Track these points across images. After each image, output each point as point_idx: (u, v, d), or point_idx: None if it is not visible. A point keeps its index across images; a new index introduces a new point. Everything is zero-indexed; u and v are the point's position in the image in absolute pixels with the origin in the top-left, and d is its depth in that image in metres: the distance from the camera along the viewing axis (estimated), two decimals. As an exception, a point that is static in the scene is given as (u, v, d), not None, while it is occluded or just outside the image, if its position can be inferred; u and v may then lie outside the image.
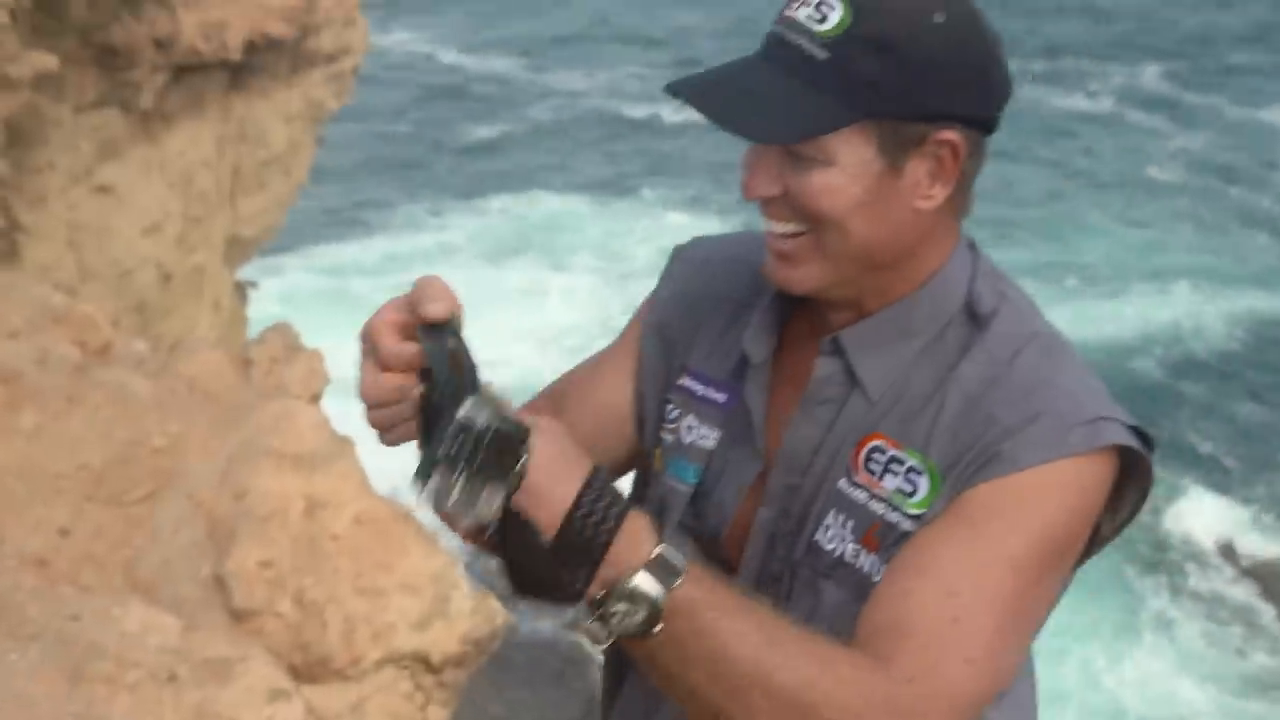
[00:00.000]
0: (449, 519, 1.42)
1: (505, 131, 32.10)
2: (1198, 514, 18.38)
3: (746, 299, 1.84)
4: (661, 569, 1.45)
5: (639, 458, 1.93)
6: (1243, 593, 17.09)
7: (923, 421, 1.67)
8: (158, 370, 7.03)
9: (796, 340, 1.79)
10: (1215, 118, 32.66)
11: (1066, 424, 1.60)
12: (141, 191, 13.54)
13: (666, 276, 1.96)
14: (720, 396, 1.83)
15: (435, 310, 1.49)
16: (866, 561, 1.67)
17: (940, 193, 1.67)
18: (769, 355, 1.79)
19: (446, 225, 27.17)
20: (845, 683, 1.49)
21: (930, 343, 1.71)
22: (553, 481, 1.42)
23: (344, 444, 6.16)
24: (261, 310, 16.54)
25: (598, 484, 1.44)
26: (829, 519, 1.70)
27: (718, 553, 1.78)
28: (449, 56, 36.47)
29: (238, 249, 15.84)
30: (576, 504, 1.42)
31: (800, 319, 1.79)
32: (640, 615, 1.44)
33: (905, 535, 1.64)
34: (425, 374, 1.51)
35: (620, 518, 1.44)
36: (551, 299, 23.90)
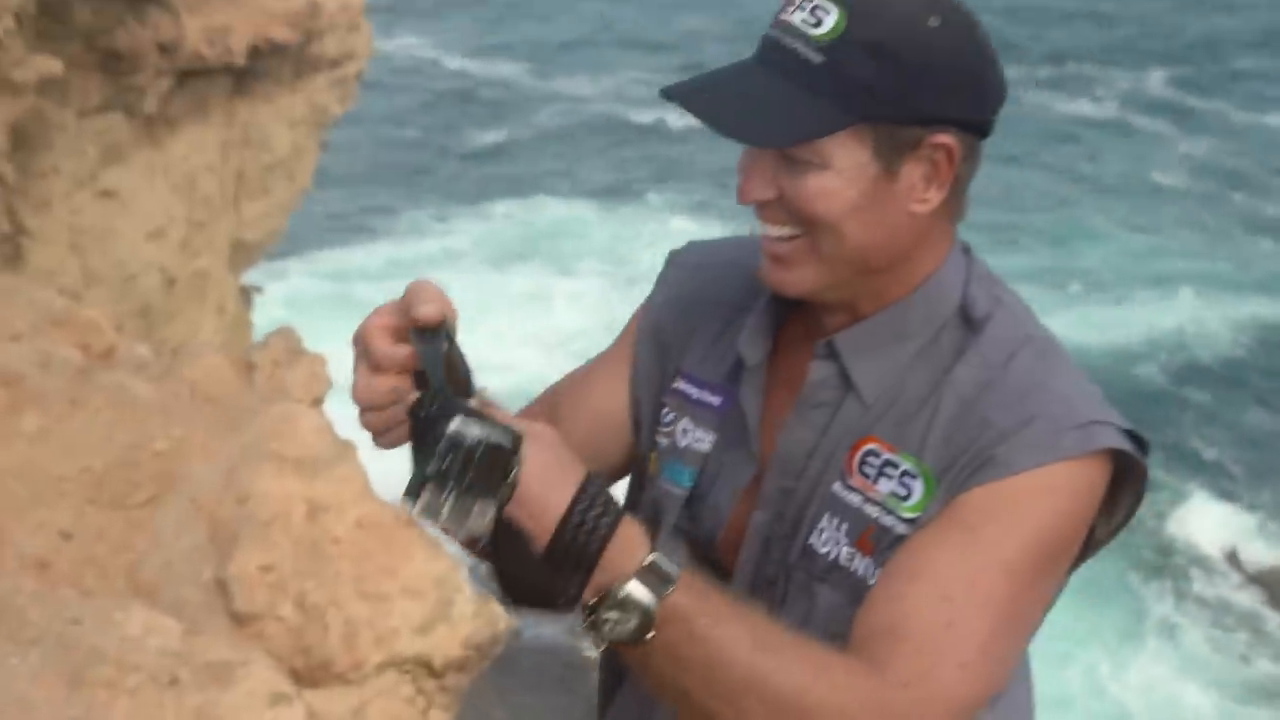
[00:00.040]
0: (444, 530, 1.42)
1: (510, 137, 32.10)
2: (1202, 520, 18.36)
3: (741, 302, 1.85)
4: (654, 577, 1.45)
5: (635, 462, 1.94)
6: (1247, 599, 17.07)
7: (917, 425, 1.67)
8: (160, 374, 7.03)
9: (791, 343, 1.79)
10: (1220, 123, 32.64)
11: (1060, 428, 1.61)
12: (145, 196, 13.56)
13: (661, 281, 1.96)
14: (715, 400, 1.83)
15: (428, 312, 1.49)
16: (861, 565, 1.67)
17: (935, 196, 1.67)
18: (764, 358, 1.80)
19: (452, 230, 27.17)
20: (839, 688, 1.50)
21: (925, 346, 1.71)
22: (545, 489, 1.42)
23: (346, 448, 6.15)
24: (266, 315, 16.55)
25: (591, 491, 1.44)
26: (823, 522, 1.70)
27: (713, 556, 1.79)
28: (454, 62, 36.47)
29: (241, 253, 15.86)
30: (569, 513, 1.42)
31: (795, 322, 1.80)
32: (632, 623, 1.45)
33: (900, 539, 1.64)
34: (419, 377, 1.51)
35: (612, 526, 1.44)
36: (557, 304, 23.92)
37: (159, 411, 6.51)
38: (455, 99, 33.94)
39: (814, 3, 1.63)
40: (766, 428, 1.77)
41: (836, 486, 1.70)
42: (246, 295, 16.75)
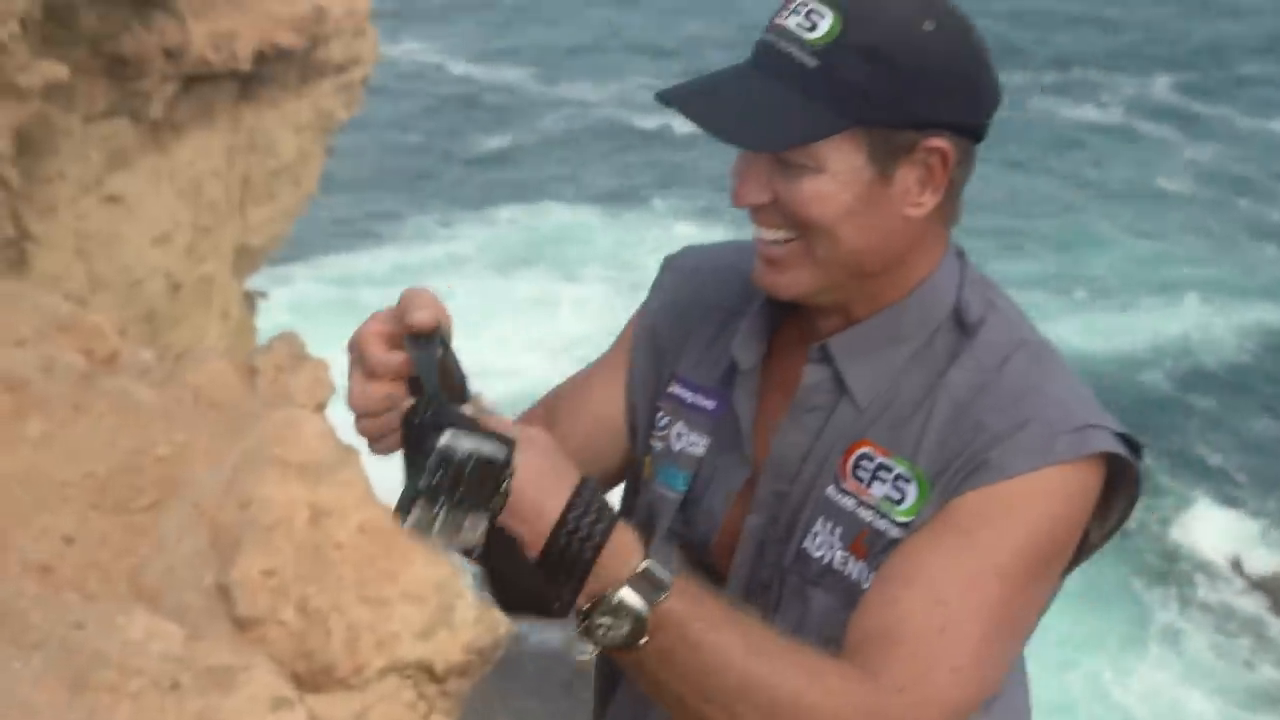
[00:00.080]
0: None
1: (516, 142, 32.13)
2: (1206, 526, 18.35)
3: (736, 306, 1.85)
4: (647, 583, 1.45)
5: (630, 466, 1.94)
6: (1251, 605, 17.05)
7: (911, 429, 1.68)
8: (163, 379, 7.04)
9: (786, 347, 1.79)
10: (1226, 129, 32.62)
11: (1054, 432, 1.61)
12: (151, 201, 13.58)
13: (657, 286, 1.97)
14: (709, 403, 1.83)
15: (422, 319, 1.49)
16: (855, 569, 1.67)
17: (930, 200, 1.67)
18: (758, 362, 1.80)
19: (456, 236, 27.19)
20: (834, 694, 1.50)
21: (919, 350, 1.72)
22: (539, 496, 1.42)
23: (349, 453, 6.16)
24: (272, 320, 16.57)
25: (584, 497, 1.44)
26: (817, 526, 1.70)
27: (707, 560, 1.79)
28: (459, 67, 36.50)
29: (246, 259, 15.88)
30: (562, 519, 1.42)
31: (790, 326, 1.80)
32: (625, 628, 1.45)
33: (893, 543, 1.64)
34: (414, 383, 1.51)
35: (606, 533, 1.43)
36: (562, 309, 23.94)
37: (162, 417, 6.52)
38: (460, 104, 33.97)
39: (809, 7, 1.63)
40: (760, 431, 1.77)
41: (830, 490, 1.70)
42: (251, 300, 16.76)
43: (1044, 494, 1.59)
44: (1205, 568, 17.69)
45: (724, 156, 1.66)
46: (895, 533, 1.64)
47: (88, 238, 13.06)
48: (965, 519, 1.60)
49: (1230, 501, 18.98)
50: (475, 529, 1.39)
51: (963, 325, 1.71)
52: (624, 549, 1.45)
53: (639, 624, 1.45)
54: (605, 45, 38.42)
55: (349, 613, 5.72)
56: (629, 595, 1.44)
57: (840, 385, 1.72)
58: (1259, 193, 29.25)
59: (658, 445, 1.86)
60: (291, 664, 5.58)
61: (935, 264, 1.73)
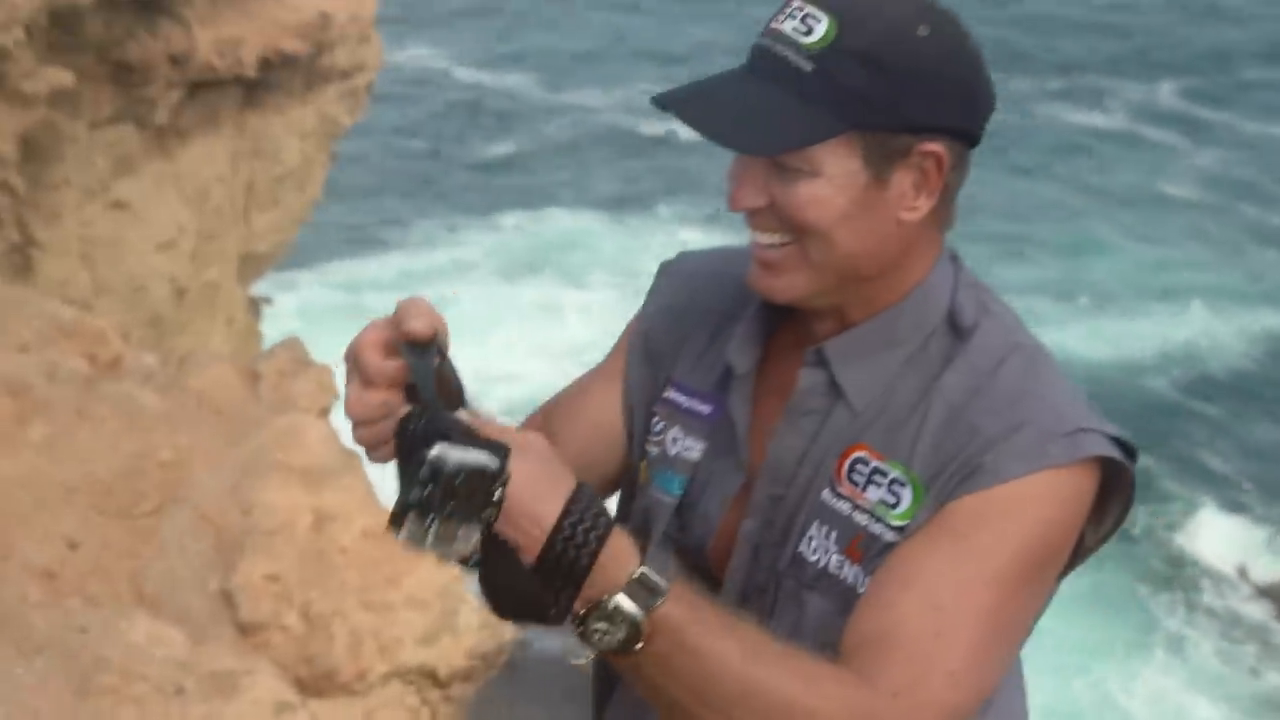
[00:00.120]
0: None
1: (521, 148, 32.10)
2: (1212, 533, 18.32)
3: (732, 311, 1.85)
4: (642, 589, 1.45)
5: (629, 471, 1.94)
6: (1257, 611, 17.03)
7: (906, 433, 1.68)
8: (167, 384, 7.05)
9: (781, 351, 1.80)
10: (1230, 135, 32.58)
11: (1048, 436, 1.61)
12: (156, 207, 13.60)
13: (653, 291, 1.97)
14: (705, 408, 1.84)
15: (418, 327, 1.49)
16: (850, 573, 1.67)
17: (925, 204, 1.67)
18: (753, 366, 1.80)
19: (462, 242, 27.18)
20: (830, 698, 1.51)
21: (914, 354, 1.72)
22: (534, 503, 1.42)
23: (352, 458, 6.17)
24: (278, 326, 16.56)
25: (580, 503, 1.44)
26: (812, 530, 1.71)
27: (702, 564, 1.79)
28: (464, 73, 36.47)
29: (251, 265, 15.90)
30: (558, 526, 1.42)
31: (785, 330, 1.80)
32: (621, 634, 1.45)
33: (888, 547, 1.64)
34: (410, 391, 1.52)
35: (602, 539, 1.44)
36: (567, 315, 23.92)
37: (165, 421, 6.53)
38: (466, 110, 33.96)
39: (805, 11, 1.63)
40: (756, 436, 1.78)
41: (825, 494, 1.70)
42: (256, 306, 16.78)
43: (1038, 498, 1.60)
44: (1211, 574, 17.67)
45: (729, 163, 1.66)
46: (890, 537, 1.65)
47: (93, 243, 13.08)
48: (960, 523, 1.60)
49: (1236, 508, 18.95)
50: (468, 540, 1.39)
51: (957, 329, 1.72)
52: (620, 555, 1.45)
53: (635, 629, 1.45)
54: (611, 51, 38.41)
55: (352, 618, 5.73)
56: (624, 601, 1.45)
57: (835, 389, 1.72)
58: (1264, 198, 29.21)
59: (653, 450, 1.87)
60: (294, 669, 5.58)
61: (930, 268, 1.73)
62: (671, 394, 1.87)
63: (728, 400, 1.81)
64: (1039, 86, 33.86)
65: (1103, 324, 23.83)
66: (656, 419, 1.88)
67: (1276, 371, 22.75)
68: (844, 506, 1.69)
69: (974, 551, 1.59)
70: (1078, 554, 1.69)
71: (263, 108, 14.87)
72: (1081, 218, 28.26)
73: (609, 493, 1.94)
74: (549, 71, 36.50)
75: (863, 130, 1.62)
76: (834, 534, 1.69)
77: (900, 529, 1.64)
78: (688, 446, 1.83)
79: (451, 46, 37.80)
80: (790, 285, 1.69)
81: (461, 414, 1.46)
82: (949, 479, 1.62)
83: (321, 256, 24.08)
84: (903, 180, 1.65)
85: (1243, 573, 17.67)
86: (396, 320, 1.51)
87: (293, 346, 7.94)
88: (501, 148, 32.00)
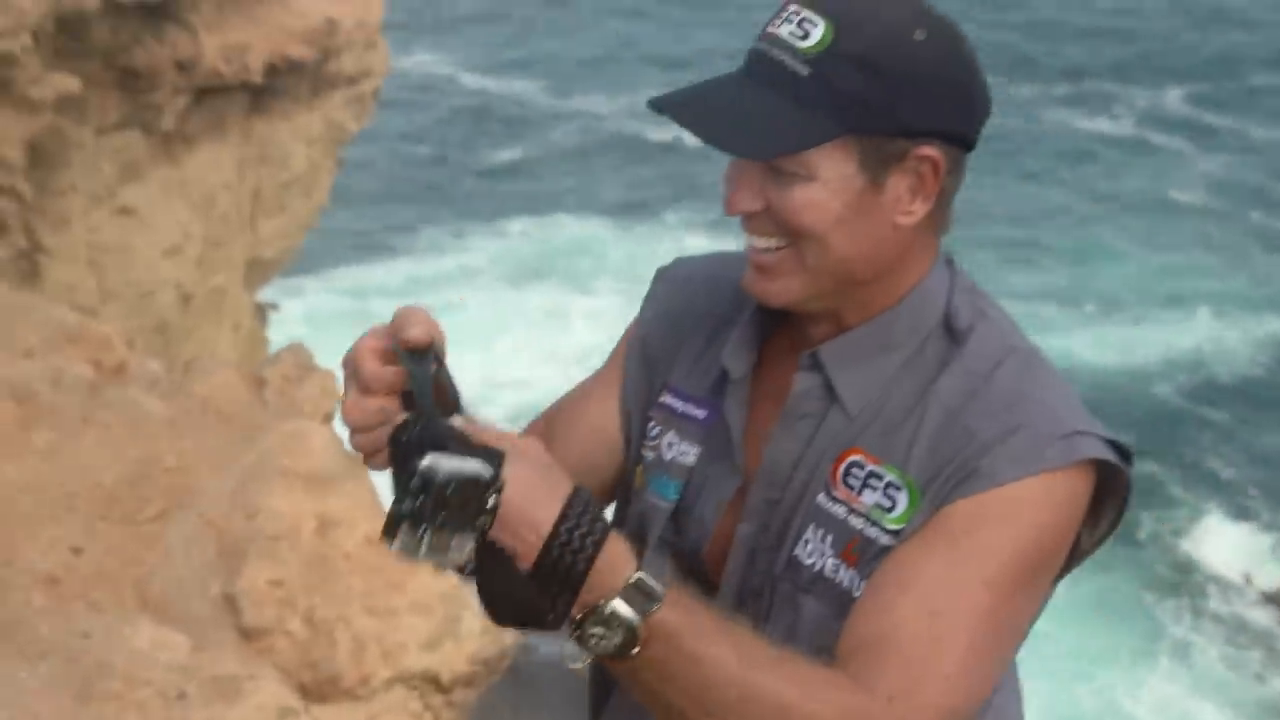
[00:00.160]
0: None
1: (527, 154, 32.15)
2: (1218, 540, 18.32)
3: (728, 315, 1.85)
4: (639, 594, 1.45)
5: (625, 476, 1.94)
6: (1263, 618, 17.02)
7: (902, 436, 1.68)
8: (171, 390, 7.06)
9: (777, 355, 1.80)
10: (1239, 140, 32.57)
11: (1043, 439, 1.61)
12: (162, 213, 13.62)
13: (649, 297, 1.98)
14: (700, 413, 1.84)
15: (415, 335, 1.50)
16: (846, 576, 1.67)
17: (920, 209, 1.67)
18: (748, 370, 1.80)
19: (468, 248, 27.22)
20: (826, 703, 1.51)
21: (910, 357, 1.72)
22: (530, 509, 1.42)
23: (356, 464, 6.16)
24: (284, 332, 16.58)
25: (576, 508, 1.44)
26: (808, 534, 1.70)
27: (699, 567, 1.79)
28: (471, 79, 36.51)
29: (258, 271, 15.92)
30: (554, 532, 1.42)
31: (781, 335, 1.80)
32: (617, 639, 1.45)
33: (884, 550, 1.64)
34: (407, 398, 1.52)
35: (598, 544, 1.43)
36: (574, 321, 23.95)
37: (169, 427, 6.54)
38: (472, 116, 34.00)
39: (801, 15, 1.64)
40: (751, 440, 1.78)
41: (821, 498, 1.70)
42: (262, 312, 16.80)
43: (1034, 502, 1.60)
44: (1217, 580, 17.65)
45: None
46: (886, 540, 1.65)
47: (99, 250, 13.11)
48: (956, 527, 1.60)
49: (1242, 515, 18.94)
50: (462, 549, 1.39)
51: (953, 333, 1.72)
52: (616, 560, 1.45)
53: (631, 634, 1.45)
54: (617, 57, 38.43)
55: (355, 623, 5.73)
56: (621, 606, 1.44)
57: (831, 393, 1.72)
58: (1271, 204, 29.19)
59: (649, 455, 1.87)
60: (298, 674, 5.58)
61: (925, 272, 1.74)
62: (667, 399, 1.87)
63: (723, 404, 1.81)
64: (1046, 92, 33.88)
65: (1110, 330, 23.82)
66: (652, 424, 1.88)
67: (1284, 377, 22.74)
68: (839, 510, 1.69)
69: (970, 555, 1.59)
70: (1074, 557, 1.69)
71: (269, 114, 14.90)
72: (1089, 224, 28.25)
73: (610, 498, 1.94)
74: (555, 78, 36.53)
75: (859, 134, 1.62)
76: (830, 538, 1.69)
77: (896, 533, 1.64)
78: (683, 451, 1.83)
79: (458, 52, 37.84)
80: (786, 289, 1.69)
81: (456, 420, 1.46)
82: (944, 483, 1.62)
83: (328, 263, 24.12)
84: (898, 184, 1.66)
85: (1249, 579, 17.66)
86: (394, 328, 1.52)
87: (297, 352, 7.95)
88: (508, 154, 32.03)
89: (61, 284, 12.38)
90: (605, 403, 1.94)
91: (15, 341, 7.02)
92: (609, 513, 1.92)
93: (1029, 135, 30.65)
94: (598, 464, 1.92)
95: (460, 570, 1.44)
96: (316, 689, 5.60)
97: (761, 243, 1.69)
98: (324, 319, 21.40)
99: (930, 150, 1.65)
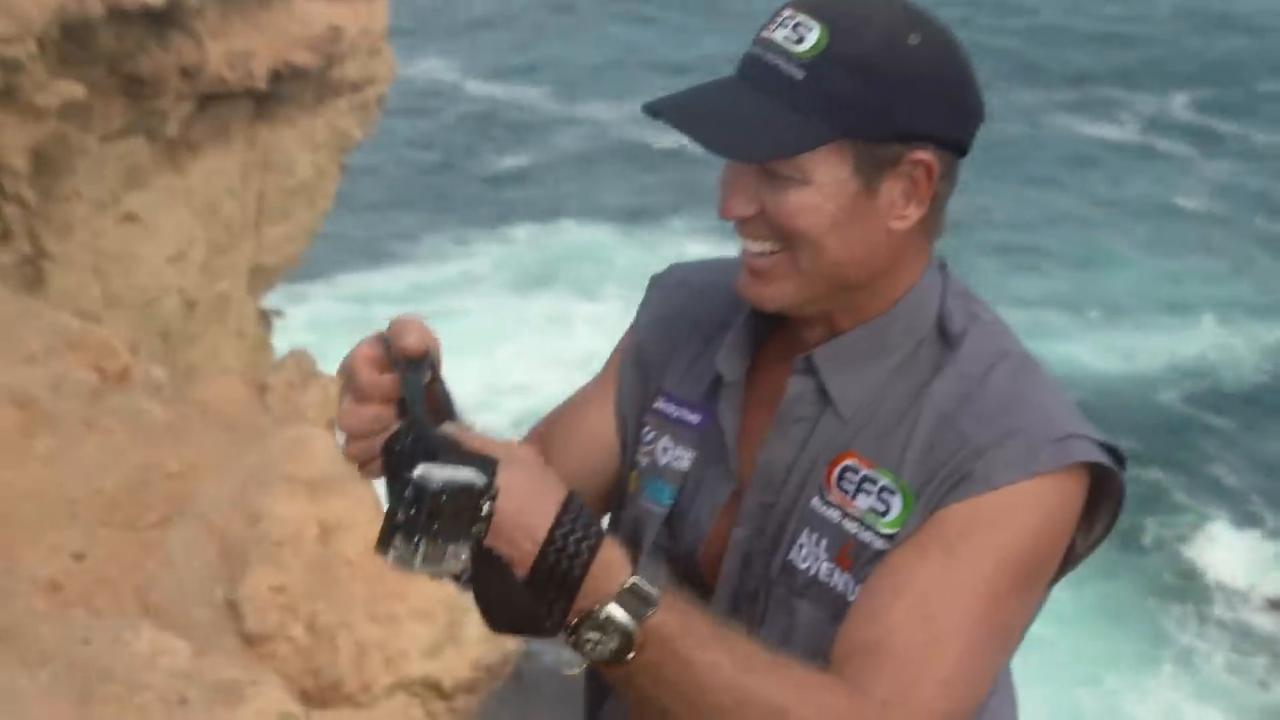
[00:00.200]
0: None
1: (532, 161, 32.18)
2: (1223, 546, 18.31)
3: (723, 320, 1.85)
4: (634, 599, 1.45)
5: (617, 481, 1.94)
6: (1267, 624, 17.01)
7: (896, 440, 1.68)
8: (173, 396, 7.06)
9: (771, 360, 1.80)
10: (1243, 146, 32.56)
11: (1037, 442, 1.61)
12: (167, 220, 13.64)
13: (645, 304, 1.98)
14: (694, 417, 1.84)
15: (410, 343, 1.51)
16: (840, 580, 1.67)
17: (914, 213, 1.68)
18: (742, 375, 1.80)
19: (473, 254, 27.24)
20: (821, 708, 1.51)
21: (903, 361, 1.72)
22: (525, 515, 1.42)
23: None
24: (289, 338, 16.60)
25: (570, 514, 1.44)
26: (803, 538, 1.70)
27: (693, 572, 1.79)
28: (475, 85, 36.55)
29: (262, 277, 15.93)
30: (550, 538, 1.42)
31: (775, 339, 1.80)
32: (613, 644, 1.45)
33: (878, 554, 1.64)
34: (403, 406, 1.52)
35: (593, 549, 1.43)
36: (578, 327, 23.96)
37: (171, 433, 6.54)
38: (477, 123, 34.03)
39: (796, 20, 1.64)
40: (745, 444, 1.78)
41: (815, 502, 1.70)
42: (267, 319, 16.81)
43: (1027, 506, 1.60)
44: (1221, 587, 17.64)
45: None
46: (880, 544, 1.65)
47: (104, 256, 13.12)
48: (950, 531, 1.60)
49: (1247, 521, 18.92)
50: (457, 558, 1.39)
51: (946, 337, 1.72)
52: (611, 565, 1.45)
53: (626, 639, 1.45)
54: (622, 64, 38.46)
55: (357, 629, 5.73)
56: (616, 611, 1.44)
57: (824, 397, 1.72)
58: (1276, 210, 29.18)
59: (643, 460, 1.87)
60: (299, 680, 5.59)
61: (918, 276, 1.74)
62: (661, 404, 1.88)
63: (717, 409, 1.81)
64: (1050, 98, 33.87)
65: (1114, 336, 23.80)
66: (647, 429, 1.88)
67: (1289, 384, 22.72)
68: (834, 514, 1.69)
69: (964, 559, 1.59)
70: (1068, 561, 1.69)
71: (273, 120, 14.92)
72: (1093, 229, 28.24)
73: (609, 504, 1.94)
74: (560, 84, 36.57)
75: (853, 138, 1.63)
76: (824, 542, 1.69)
77: (890, 537, 1.64)
78: (677, 456, 1.83)
79: (463, 59, 37.88)
80: (780, 293, 1.69)
81: (448, 427, 1.46)
82: (939, 487, 1.62)
83: (332, 269, 24.14)
84: (892, 189, 1.66)
85: (1253, 585, 17.66)
86: (389, 337, 1.53)
87: (300, 358, 7.96)
88: (513, 160, 32.06)
89: (66, 290, 12.40)
90: (602, 409, 1.94)
91: (17, 347, 7.03)
92: (606, 519, 1.93)
93: (1033, 141, 30.65)
94: (596, 470, 1.92)
95: (456, 579, 1.44)
96: (318, 695, 5.60)
97: (756, 247, 1.69)
98: (328, 325, 21.40)
99: (924, 155, 1.65)
